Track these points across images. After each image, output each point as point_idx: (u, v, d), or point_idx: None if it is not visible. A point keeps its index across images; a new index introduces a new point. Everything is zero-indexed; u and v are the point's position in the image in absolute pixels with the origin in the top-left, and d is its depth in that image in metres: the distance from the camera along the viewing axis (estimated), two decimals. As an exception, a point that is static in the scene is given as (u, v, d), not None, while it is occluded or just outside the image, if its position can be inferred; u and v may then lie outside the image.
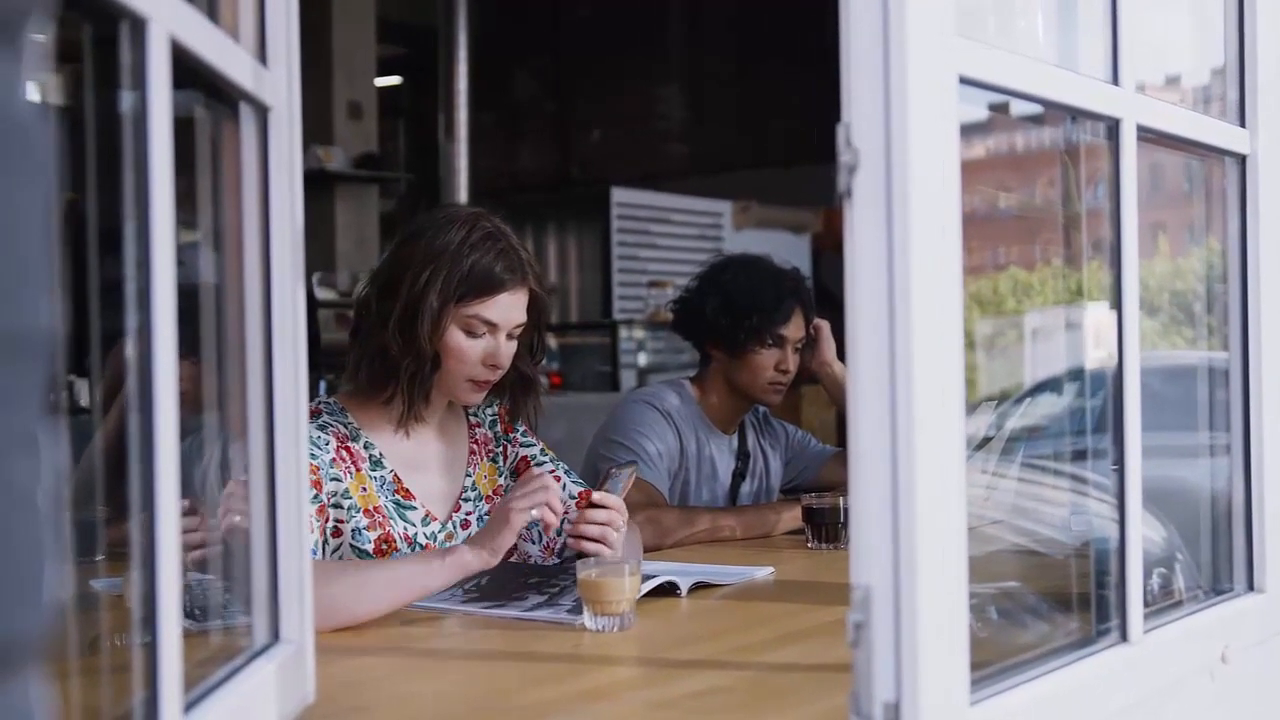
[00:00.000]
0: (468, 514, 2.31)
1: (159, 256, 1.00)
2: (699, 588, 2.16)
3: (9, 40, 0.52)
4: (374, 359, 2.19)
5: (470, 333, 2.18)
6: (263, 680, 1.27)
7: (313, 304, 4.78)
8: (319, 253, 7.36)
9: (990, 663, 1.31)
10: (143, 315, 0.99)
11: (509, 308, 2.20)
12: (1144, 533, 1.55)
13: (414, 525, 2.21)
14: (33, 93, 0.54)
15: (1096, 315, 1.84)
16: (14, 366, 0.52)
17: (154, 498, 0.99)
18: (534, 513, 1.99)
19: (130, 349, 1.01)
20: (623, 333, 7.37)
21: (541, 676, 1.65)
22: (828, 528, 2.62)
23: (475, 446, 2.37)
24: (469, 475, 2.34)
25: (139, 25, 0.98)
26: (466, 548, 2.00)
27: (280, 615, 1.36)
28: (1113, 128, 1.51)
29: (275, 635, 1.35)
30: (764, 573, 2.33)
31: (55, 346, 0.55)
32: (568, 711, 1.49)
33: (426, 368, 2.17)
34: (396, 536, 2.17)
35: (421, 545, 2.20)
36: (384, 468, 2.21)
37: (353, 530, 2.14)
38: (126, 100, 1.00)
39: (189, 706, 1.08)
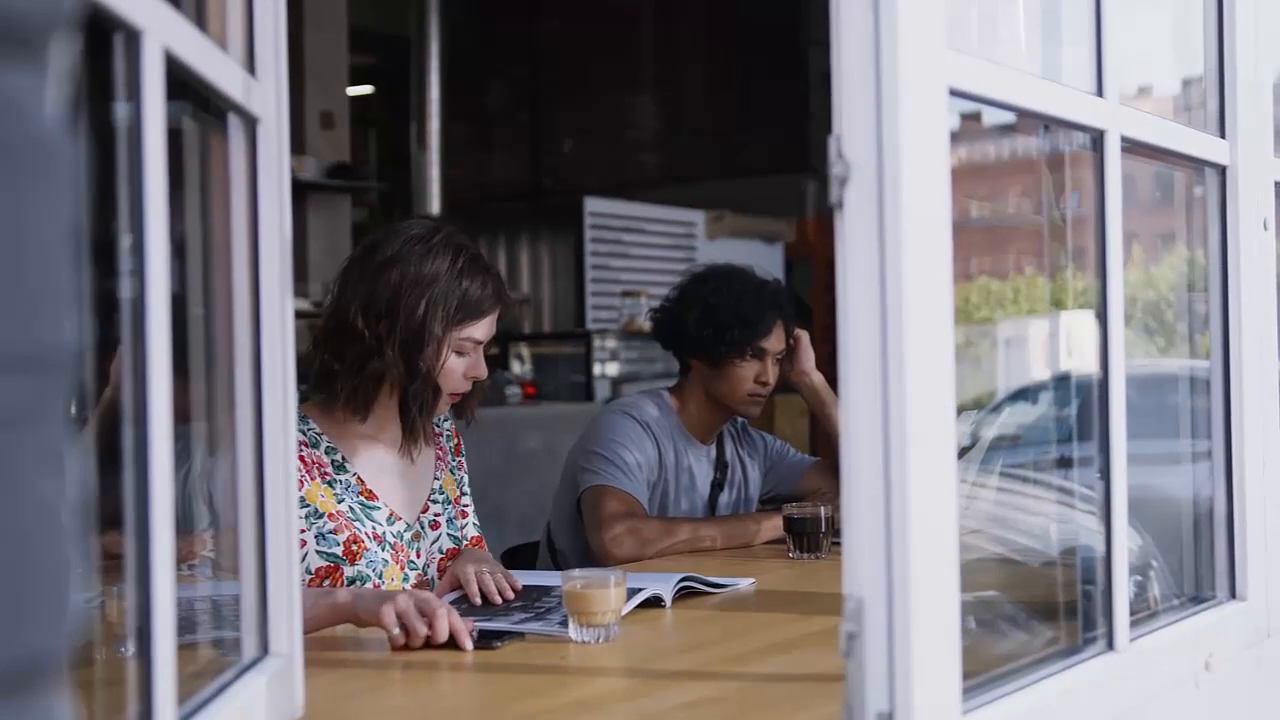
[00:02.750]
0: (436, 515, 2.37)
1: (153, 268, 0.99)
2: (685, 594, 2.16)
3: (33, 56, 0.52)
4: (370, 384, 2.22)
5: (460, 353, 2.26)
6: (253, 694, 1.26)
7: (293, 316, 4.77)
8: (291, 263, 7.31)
9: (981, 672, 1.32)
10: (137, 327, 0.99)
11: (492, 324, 2.30)
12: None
13: (380, 524, 2.25)
14: (56, 107, 0.54)
15: (1070, 324, 1.85)
16: (39, 383, 0.52)
17: (148, 512, 0.99)
18: (395, 632, 1.82)
19: (121, 360, 1.01)
20: (596, 342, 7.35)
21: (529, 688, 1.65)
22: (809, 537, 2.63)
23: (440, 453, 2.43)
24: (436, 479, 2.40)
25: (133, 37, 0.98)
26: (350, 596, 1.93)
27: (269, 629, 1.35)
28: (1097, 139, 1.52)
29: (264, 649, 1.35)
30: (747, 583, 2.34)
31: (78, 363, 0.55)
32: (557, 723, 1.49)
33: (430, 393, 2.23)
34: (364, 536, 2.21)
35: (390, 544, 2.25)
36: (348, 471, 2.26)
37: (317, 536, 2.17)
38: (120, 111, 1.00)
39: (182, 721, 1.07)
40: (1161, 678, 1.62)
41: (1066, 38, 1.72)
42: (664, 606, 2.10)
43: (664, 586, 2.13)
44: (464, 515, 2.46)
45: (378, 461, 2.30)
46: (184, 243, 1.30)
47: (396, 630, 1.81)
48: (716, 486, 3.11)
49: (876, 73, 1.16)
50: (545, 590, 2.17)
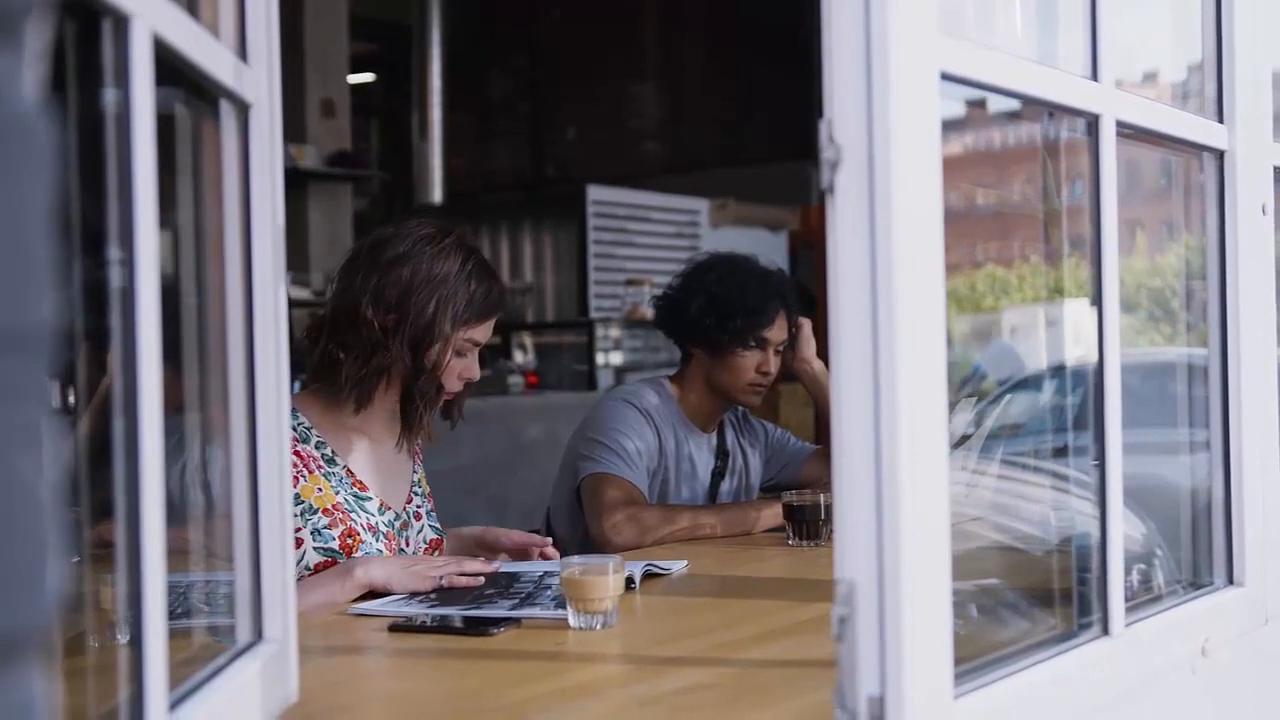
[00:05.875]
0: (418, 507, 2.43)
1: (143, 256, 0.99)
2: (648, 578, 2.21)
3: (10, 36, 0.52)
4: (374, 375, 2.26)
5: (459, 353, 2.30)
6: (247, 679, 1.26)
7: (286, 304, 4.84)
8: (292, 252, 7.26)
9: (974, 656, 1.32)
10: (126, 316, 0.99)
11: (490, 328, 2.35)
12: (1123, 529, 1.56)
13: (373, 515, 2.29)
14: (33, 88, 0.54)
15: (1074, 312, 1.84)
16: (18, 360, 0.52)
17: (138, 499, 0.99)
18: (443, 582, 2.12)
19: (113, 350, 1.01)
20: (599, 331, 7.35)
21: (525, 675, 1.65)
22: (808, 525, 2.63)
23: (417, 449, 2.48)
24: (416, 472, 2.45)
25: (122, 22, 0.98)
26: (363, 565, 2.11)
27: (263, 614, 1.35)
28: (1092, 123, 1.52)
29: (259, 634, 1.35)
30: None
31: (55, 342, 0.55)
32: (552, 709, 1.49)
33: (434, 389, 2.28)
34: (360, 528, 2.25)
35: (383, 534, 2.29)
36: (337, 464, 2.28)
37: (313, 532, 2.20)
38: (109, 97, 1.00)
39: (173, 705, 1.07)
40: (1157, 663, 1.62)
41: (1064, 25, 1.72)
42: (634, 589, 2.11)
43: (634, 569, 2.16)
44: (435, 510, 2.50)
45: (364, 454, 2.34)
46: (176, 231, 1.30)
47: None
48: (718, 475, 3.11)
49: (867, 57, 1.16)
50: (515, 577, 2.18)
